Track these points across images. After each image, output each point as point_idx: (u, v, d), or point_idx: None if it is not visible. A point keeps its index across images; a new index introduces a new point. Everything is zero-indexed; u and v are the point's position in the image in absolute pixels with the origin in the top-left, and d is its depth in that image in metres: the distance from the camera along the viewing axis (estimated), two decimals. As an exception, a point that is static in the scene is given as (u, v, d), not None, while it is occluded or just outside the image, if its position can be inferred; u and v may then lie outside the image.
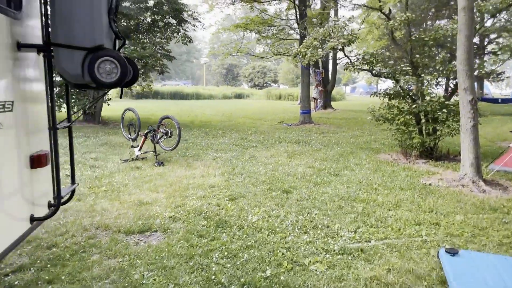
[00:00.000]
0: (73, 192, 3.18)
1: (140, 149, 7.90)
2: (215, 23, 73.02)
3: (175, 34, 13.67)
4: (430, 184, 6.19)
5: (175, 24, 13.69)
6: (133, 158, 7.81)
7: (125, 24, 13.09)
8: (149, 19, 13.43)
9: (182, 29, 14.22)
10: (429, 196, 5.61)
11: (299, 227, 4.37)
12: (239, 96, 43.31)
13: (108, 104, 15.13)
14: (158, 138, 7.71)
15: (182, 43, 13.85)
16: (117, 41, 2.74)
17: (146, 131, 7.85)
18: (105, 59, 2.43)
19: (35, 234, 3.96)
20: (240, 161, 7.85)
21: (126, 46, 11.97)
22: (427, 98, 7.72)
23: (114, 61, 2.43)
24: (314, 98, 22.23)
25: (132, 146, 8.09)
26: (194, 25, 14.82)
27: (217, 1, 19.97)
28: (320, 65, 23.38)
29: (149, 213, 4.71)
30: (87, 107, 13.35)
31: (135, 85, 17.14)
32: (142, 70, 12.22)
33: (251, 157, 8.31)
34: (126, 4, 12.59)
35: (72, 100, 13.53)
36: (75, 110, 13.50)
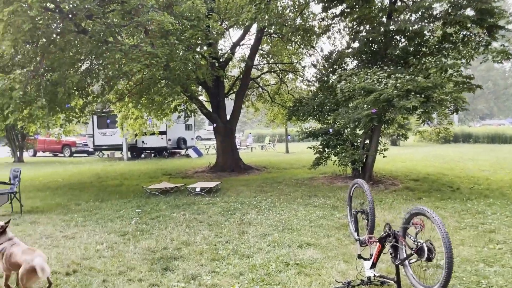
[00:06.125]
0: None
1: (373, 266, 3.89)
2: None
3: (482, 48, 8.69)
4: None
5: (483, 34, 8.76)
6: (361, 281, 3.89)
7: (403, 45, 9.35)
8: (438, 34, 9.16)
9: (497, 41, 9.05)
10: None
11: None
12: None
13: (384, 156, 11.53)
14: (405, 256, 3.49)
15: (494, 61, 8.67)
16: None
17: (383, 234, 3.79)
18: None
19: None
20: None
21: (400, 76, 8.16)
22: None
23: None
24: None
25: (359, 256, 4.16)
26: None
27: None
28: None
29: None
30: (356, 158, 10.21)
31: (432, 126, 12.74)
32: (423, 109, 8.00)
33: None
34: (404, 16, 8.92)
35: (337, 150, 10.78)
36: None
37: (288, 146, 24.36)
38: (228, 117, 14.67)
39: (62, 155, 26.11)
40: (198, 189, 8.95)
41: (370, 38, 9.61)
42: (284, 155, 21.85)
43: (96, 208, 7.81)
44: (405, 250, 3.49)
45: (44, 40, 8.38)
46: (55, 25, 8.77)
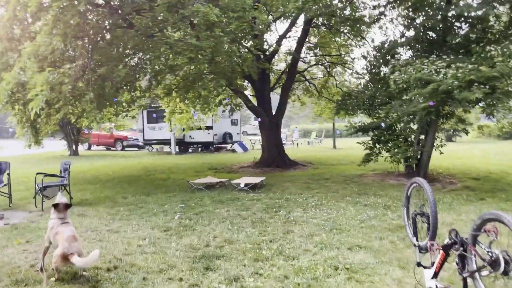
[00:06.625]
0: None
1: (435, 276, 3.46)
2: None
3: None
4: None
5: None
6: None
7: (464, 32, 8.60)
8: (504, 19, 8.31)
9: None
10: None
11: None
12: None
13: (441, 153, 10.74)
14: (475, 268, 3.04)
15: None
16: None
17: (447, 241, 3.34)
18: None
19: None
20: None
21: (461, 66, 7.49)
22: None
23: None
24: None
25: (418, 264, 3.73)
26: None
27: None
28: None
29: None
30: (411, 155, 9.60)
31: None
32: (486, 102, 7.28)
33: None
34: (465, 0, 8.17)
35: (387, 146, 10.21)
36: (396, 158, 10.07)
37: (335, 141, 23.69)
38: (273, 111, 14.39)
39: (114, 149, 27.09)
40: (242, 185, 8.77)
41: (427, 25, 8.93)
42: (331, 151, 21.27)
43: (141, 202, 7.84)
44: (476, 261, 3.04)
45: (93, 35, 8.51)
46: (104, 20, 8.90)
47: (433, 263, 3.53)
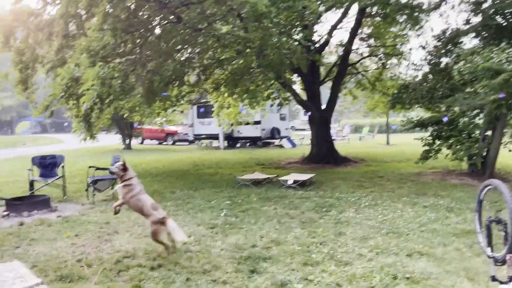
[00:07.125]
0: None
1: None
2: None
3: None
4: None
5: None
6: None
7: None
8: None
9: None
10: None
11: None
12: None
13: (510, 150, 9.78)
14: None
15: None
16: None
17: (532, 255, 2.85)
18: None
19: None
20: None
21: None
22: None
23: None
24: None
25: (493, 279, 3.24)
26: None
27: None
28: None
29: None
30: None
31: None
32: None
33: None
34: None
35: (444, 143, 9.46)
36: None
37: (389, 137, 22.65)
38: (323, 106, 13.90)
39: (166, 143, 27.75)
40: (290, 182, 8.45)
41: (497, 10, 8.08)
42: (384, 147, 20.36)
43: (189, 197, 7.77)
44: None
45: (143, 30, 8.55)
46: (154, 15, 8.92)
47: (511, 278, 3.06)
